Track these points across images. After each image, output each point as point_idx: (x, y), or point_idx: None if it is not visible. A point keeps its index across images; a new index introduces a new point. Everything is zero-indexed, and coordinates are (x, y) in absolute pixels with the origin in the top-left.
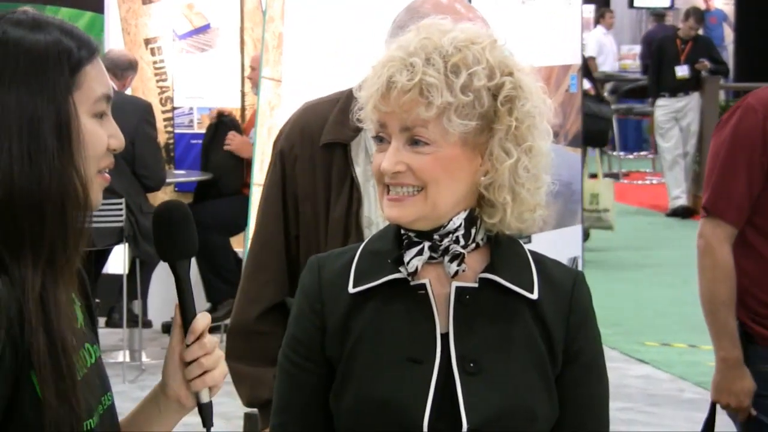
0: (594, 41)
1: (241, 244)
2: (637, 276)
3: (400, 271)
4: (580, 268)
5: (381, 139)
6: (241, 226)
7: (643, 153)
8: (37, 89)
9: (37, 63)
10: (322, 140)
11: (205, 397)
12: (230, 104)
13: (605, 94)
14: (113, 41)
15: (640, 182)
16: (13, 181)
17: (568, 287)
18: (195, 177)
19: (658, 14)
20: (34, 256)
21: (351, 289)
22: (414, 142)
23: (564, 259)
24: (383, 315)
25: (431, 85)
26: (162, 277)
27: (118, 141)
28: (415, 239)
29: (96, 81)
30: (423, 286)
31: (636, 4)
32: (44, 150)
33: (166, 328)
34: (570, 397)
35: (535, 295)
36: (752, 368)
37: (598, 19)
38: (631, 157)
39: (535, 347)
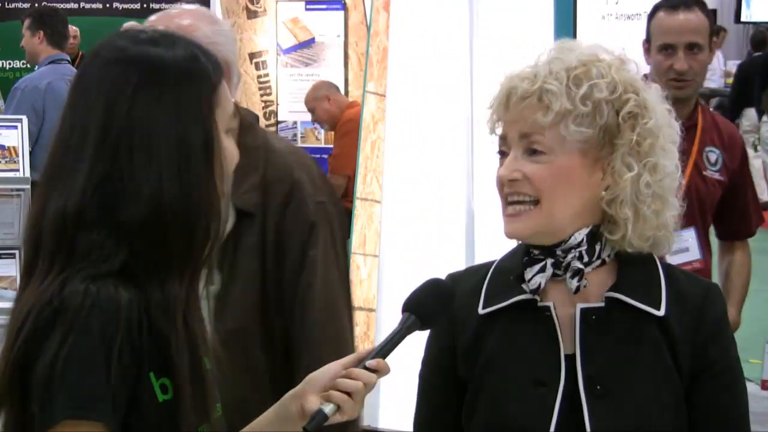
0: None
1: None
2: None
3: (525, 291)
4: None
5: (503, 154)
6: None
7: None
8: (185, 109)
9: (182, 82)
10: None
11: (326, 409)
12: None
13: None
14: None
15: None
16: (163, 203)
17: (698, 300)
18: None
19: (760, 31)
20: (181, 275)
21: (481, 310)
22: (532, 152)
23: None
24: (511, 336)
25: (550, 91)
26: None
27: (236, 155)
28: (538, 256)
29: (227, 98)
30: (548, 308)
31: (743, 18)
32: (194, 172)
33: None
34: (706, 410)
35: (662, 312)
36: None
37: None
38: None
39: (663, 366)
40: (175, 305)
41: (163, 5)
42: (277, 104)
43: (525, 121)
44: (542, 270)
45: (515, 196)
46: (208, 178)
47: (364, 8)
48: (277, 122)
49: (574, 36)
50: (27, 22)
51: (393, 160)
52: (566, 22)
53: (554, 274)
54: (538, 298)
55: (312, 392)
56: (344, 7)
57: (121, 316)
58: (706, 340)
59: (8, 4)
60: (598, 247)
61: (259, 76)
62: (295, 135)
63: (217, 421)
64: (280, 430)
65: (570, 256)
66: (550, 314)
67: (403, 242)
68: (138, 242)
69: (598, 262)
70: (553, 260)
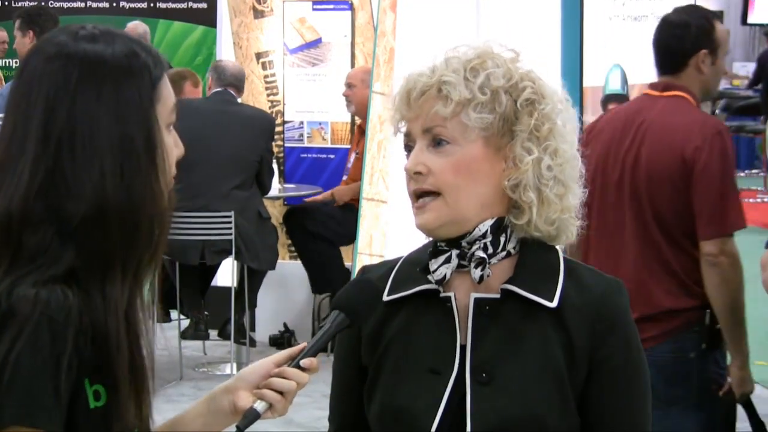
0: None
1: (350, 257)
2: (748, 294)
3: (431, 281)
4: None
5: (409, 149)
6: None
7: (754, 171)
8: (125, 104)
9: (122, 78)
10: None
11: (258, 407)
12: (340, 119)
13: (717, 111)
14: (225, 55)
15: (751, 200)
16: (106, 199)
17: (598, 294)
18: (305, 191)
19: None
20: (123, 274)
21: (385, 297)
22: (437, 143)
23: None
24: (412, 325)
25: (448, 82)
26: (269, 292)
27: (180, 149)
28: (444, 248)
29: (170, 92)
30: (449, 298)
31: (750, 21)
32: (137, 167)
33: (273, 341)
34: (600, 404)
35: (554, 304)
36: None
37: None
38: (742, 174)
39: (552, 357)
40: (115, 306)
41: (170, 4)
42: (284, 104)
43: (427, 115)
44: (447, 261)
45: (420, 191)
46: (150, 175)
47: (371, 9)
48: (284, 122)
49: (581, 37)
50: (17, 23)
51: (400, 161)
52: (573, 23)
53: (460, 265)
54: (441, 288)
55: (244, 388)
56: (351, 8)
57: (71, 324)
58: (604, 331)
59: (6, 4)
60: (503, 239)
61: (265, 76)
62: (301, 135)
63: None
64: (210, 423)
65: (475, 247)
66: (450, 305)
67: (409, 243)
68: (80, 241)
69: (504, 253)
70: (458, 251)
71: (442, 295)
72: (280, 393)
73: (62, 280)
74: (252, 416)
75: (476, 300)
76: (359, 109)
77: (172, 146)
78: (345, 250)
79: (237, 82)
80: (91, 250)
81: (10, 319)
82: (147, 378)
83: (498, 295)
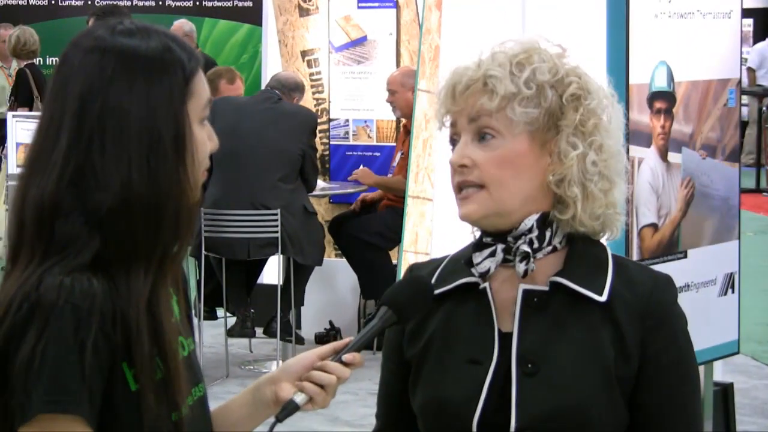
0: (756, 53)
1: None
2: None
3: (473, 275)
4: (736, 285)
5: (454, 142)
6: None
7: None
8: (156, 99)
9: (154, 73)
10: None
11: (298, 399)
12: (385, 116)
13: (764, 108)
14: (270, 53)
15: None
16: (131, 191)
17: (647, 289)
18: (350, 189)
19: None
20: (147, 264)
21: None
22: (482, 137)
23: (720, 276)
24: (453, 318)
25: (494, 76)
26: (315, 289)
27: (214, 143)
28: (490, 242)
29: (204, 88)
30: (485, 288)
31: None
32: (164, 162)
33: (319, 339)
34: (649, 401)
35: (603, 298)
36: None
37: None
38: None
39: (601, 351)
40: (138, 295)
41: (216, 3)
42: (329, 102)
43: (472, 107)
44: (492, 255)
45: (465, 184)
46: (179, 170)
47: (416, 6)
48: (329, 120)
49: (627, 34)
50: (91, 21)
51: (445, 158)
52: (619, 21)
53: (505, 260)
54: (480, 280)
55: (287, 380)
56: (396, 5)
57: (95, 309)
58: (654, 327)
59: (62, 2)
60: (548, 234)
61: (311, 74)
62: (347, 133)
63: (195, 405)
64: (254, 413)
65: (520, 241)
66: (486, 295)
67: (454, 240)
68: (107, 232)
69: (549, 248)
70: (503, 245)
71: (481, 286)
72: (321, 386)
73: (88, 269)
74: (291, 408)
75: (525, 291)
76: (405, 112)
77: (205, 140)
78: (391, 250)
79: (280, 86)
80: (117, 241)
81: (38, 310)
82: (178, 367)
83: (546, 288)
